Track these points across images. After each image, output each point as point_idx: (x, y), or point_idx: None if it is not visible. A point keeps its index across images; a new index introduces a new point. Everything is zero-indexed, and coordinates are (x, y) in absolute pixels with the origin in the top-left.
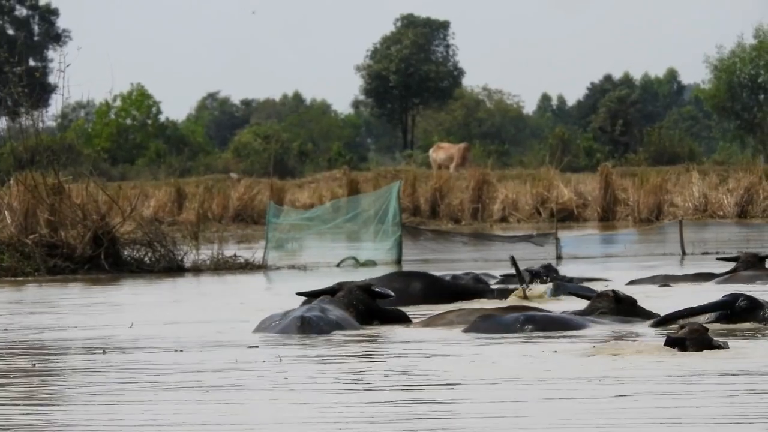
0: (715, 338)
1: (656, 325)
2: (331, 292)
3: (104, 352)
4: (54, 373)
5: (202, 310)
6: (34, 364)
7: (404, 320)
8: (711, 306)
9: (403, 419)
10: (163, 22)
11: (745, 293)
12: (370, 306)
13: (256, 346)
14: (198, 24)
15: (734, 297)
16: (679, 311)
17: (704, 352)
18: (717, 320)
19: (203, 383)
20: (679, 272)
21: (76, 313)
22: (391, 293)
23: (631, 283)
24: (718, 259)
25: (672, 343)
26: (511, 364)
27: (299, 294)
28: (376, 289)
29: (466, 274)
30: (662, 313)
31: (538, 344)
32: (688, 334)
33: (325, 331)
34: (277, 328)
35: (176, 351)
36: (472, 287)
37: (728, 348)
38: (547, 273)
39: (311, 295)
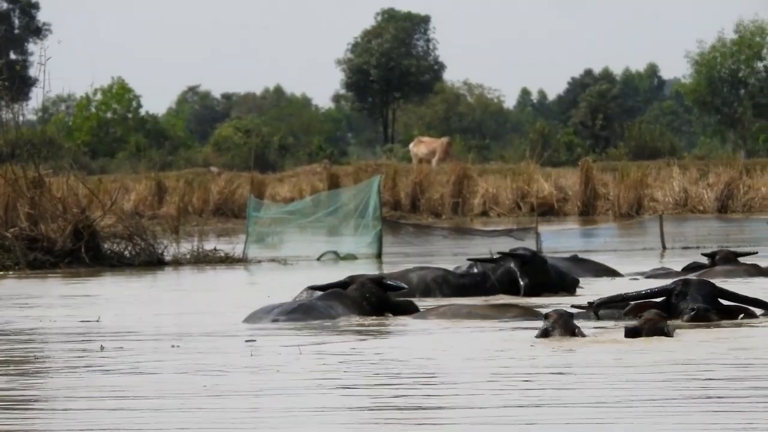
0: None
1: (595, 310)
2: (342, 285)
3: (102, 348)
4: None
5: (193, 303)
6: (36, 357)
7: (415, 311)
8: (646, 293)
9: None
10: (144, 15)
11: (687, 282)
12: (382, 298)
13: (253, 340)
14: (178, 18)
15: (673, 285)
16: (612, 297)
17: (654, 338)
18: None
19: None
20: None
21: (58, 306)
22: (404, 285)
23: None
24: (703, 254)
25: (630, 333)
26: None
27: (311, 288)
28: (388, 282)
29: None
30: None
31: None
32: (644, 323)
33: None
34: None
35: (173, 346)
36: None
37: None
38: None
39: (323, 289)
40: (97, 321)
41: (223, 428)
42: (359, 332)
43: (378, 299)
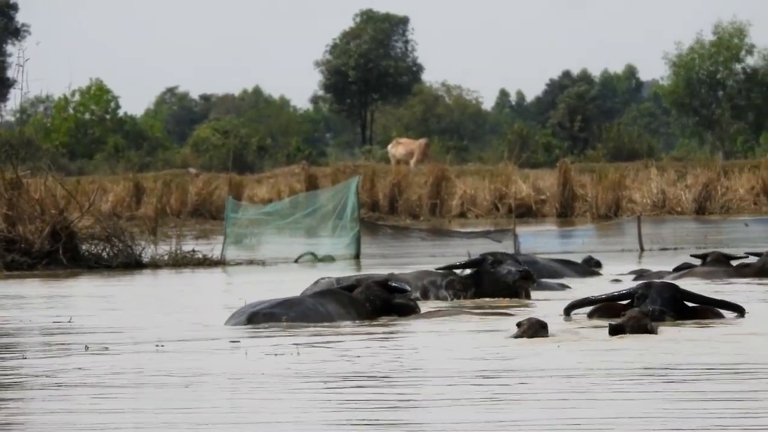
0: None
1: (566, 312)
2: (349, 288)
3: (86, 348)
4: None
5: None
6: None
7: (418, 312)
8: (616, 295)
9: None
10: (123, 17)
11: (649, 286)
12: (388, 301)
13: (238, 341)
14: (157, 19)
15: (636, 288)
16: (580, 300)
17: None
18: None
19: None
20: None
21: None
22: (408, 288)
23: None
24: (692, 255)
25: (614, 330)
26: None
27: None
28: (393, 284)
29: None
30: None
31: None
32: (627, 321)
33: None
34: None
35: (157, 346)
36: None
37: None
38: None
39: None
40: (69, 322)
41: (202, 425)
42: (345, 331)
43: (382, 301)
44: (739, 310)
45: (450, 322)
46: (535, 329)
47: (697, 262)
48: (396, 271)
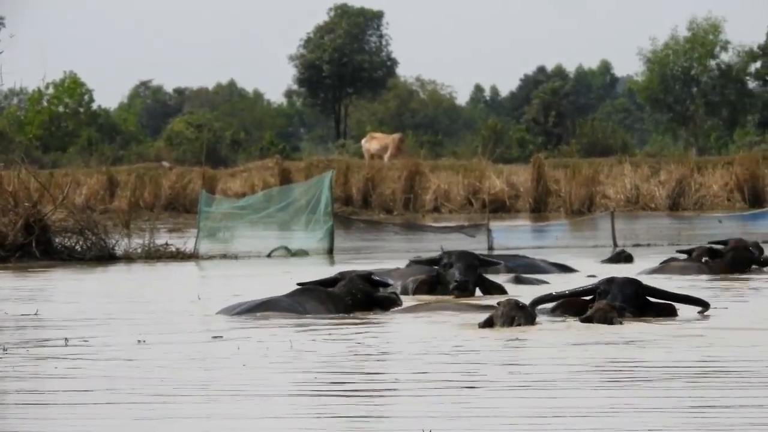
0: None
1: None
2: (332, 281)
3: (66, 341)
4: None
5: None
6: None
7: (399, 303)
8: (578, 291)
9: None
10: (97, 9)
11: (611, 281)
12: (371, 294)
13: (220, 336)
14: (131, 12)
15: (598, 284)
16: (545, 295)
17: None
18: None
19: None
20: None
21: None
22: (391, 282)
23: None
24: (678, 251)
25: (584, 322)
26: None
27: (300, 284)
28: (376, 278)
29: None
30: None
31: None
32: (594, 313)
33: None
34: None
35: (139, 342)
36: None
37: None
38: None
39: (313, 285)
40: (35, 314)
41: (176, 418)
42: (326, 327)
43: (364, 295)
44: (704, 305)
45: (433, 315)
46: (512, 307)
47: (683, 257)
48: (371, 266)
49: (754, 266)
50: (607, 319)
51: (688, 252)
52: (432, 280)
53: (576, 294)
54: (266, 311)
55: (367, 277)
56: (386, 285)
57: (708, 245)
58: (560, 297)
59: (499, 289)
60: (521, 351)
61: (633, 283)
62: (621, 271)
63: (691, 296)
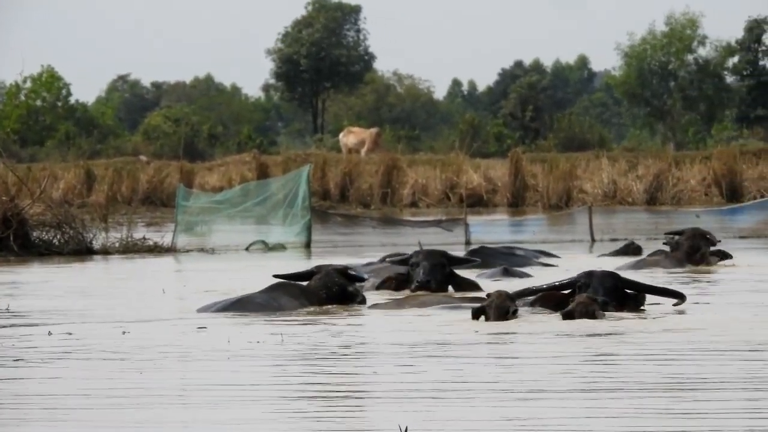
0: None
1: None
2: (308, 274)
3: (50, 333)
4: None
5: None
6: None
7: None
8: (555, 285)
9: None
10: (74, 3)
11: (590, 275)
12: (345, 289)
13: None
14: (109, 6)
15: (577, 278)
16: (524, 289)
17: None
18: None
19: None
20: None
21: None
22: (366, 276)
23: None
24: (665, 243)
25: (565, 316)
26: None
27: (276, 276)
28: (352, 273)
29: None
30: None
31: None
32: (576, 306)
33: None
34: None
35: (124, 333)
36: None
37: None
38: None
39: (288, 278)
40: (6, 309)
41: (151, 408)
42: (305, 321)
43: (340, 289)
44: (680, 297)
45: (419, 309)
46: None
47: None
48: (349, 260)
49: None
50: (588, 312)
51: (678, 233)
52: (400, 279)
53: (555, 288)
54: (241, 309)
55: (343, 272)
56: (362, 280)
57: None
58: (539, 291)
59: (472, 286)
60: (507, 346)
61: (612, 276)
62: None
63: (669, 288)
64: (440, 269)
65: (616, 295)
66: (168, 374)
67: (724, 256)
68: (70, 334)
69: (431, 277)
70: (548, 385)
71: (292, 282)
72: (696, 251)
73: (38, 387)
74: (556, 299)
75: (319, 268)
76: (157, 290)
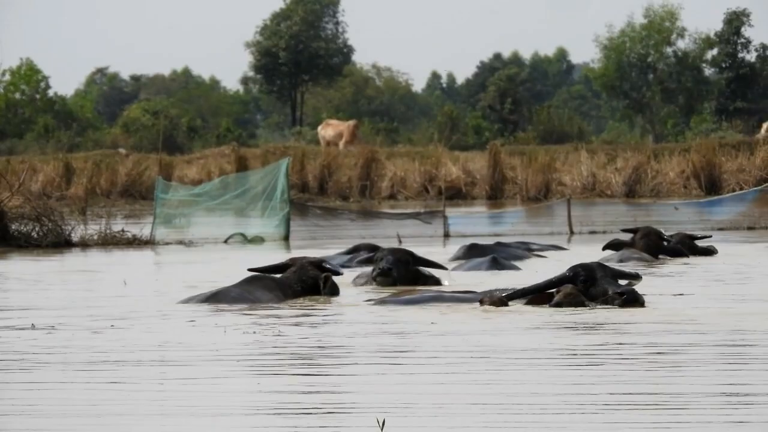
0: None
1: (501, 303)
2: (282, 267)
3: (33, 327)
4: None
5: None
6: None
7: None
8: (549, 282)
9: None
10: None
11: (588, 267)
12: (320, 282)
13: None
14: None
15: (575, 272)
16: (520, 290)
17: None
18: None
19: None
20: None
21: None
22: (341, 270)
23: None
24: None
25: (555, 306)
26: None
27: (251, 270)
28: (327, 266)
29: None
30: None
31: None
32: (564, 298)
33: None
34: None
35: (112, 326)
36: None
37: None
38: None
39: (263, 271)
40: None
41: (129, 402)
42: (282, 315)
43: (315, 282)
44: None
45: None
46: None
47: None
48: (325, 252)
49: (661, 255)
50: (578, 302)
51: (632, 231)
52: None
53: (551, 285)
54: (216, 302)
55: (318, 264)
56: (337, 273)
57: (684, 232)
58: (534, 291)
59: (435, 282)
60: (492, 337)
61: (603, 267)
62: None
63: (625, 271)
64: (403, 264)
65: (619, 278)
66: (145, 371)
67: (709, 252)
68: (53, 327)
69: (393, 266)
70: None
71: (268, 275)
72: (652, 250)
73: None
74: (546, 298)
75: (293, 261)
76: (136, 283)
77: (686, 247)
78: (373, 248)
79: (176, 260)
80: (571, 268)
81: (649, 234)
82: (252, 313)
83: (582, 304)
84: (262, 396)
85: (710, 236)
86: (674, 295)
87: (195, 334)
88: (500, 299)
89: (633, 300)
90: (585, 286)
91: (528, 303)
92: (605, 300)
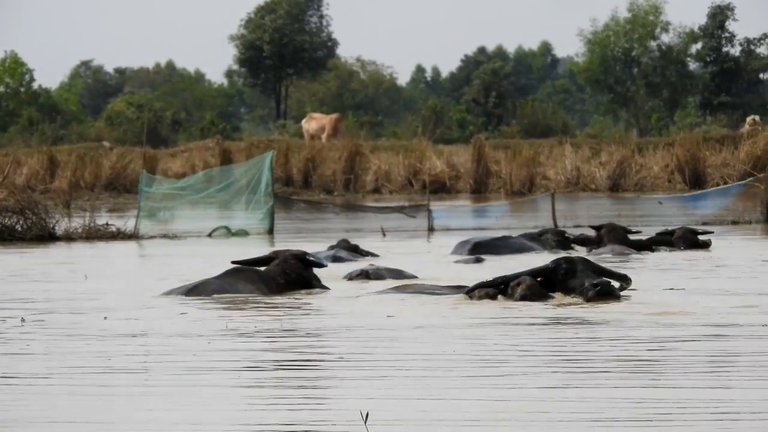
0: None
1: (469, 292)
2: (266, 260)
3: (23, 320)
4: None
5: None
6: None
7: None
8: (530, 272)
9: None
10: None
11: (571, 260)
12: (303, 275)
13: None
14: None
15: (557, 264)
16: (494, 279)
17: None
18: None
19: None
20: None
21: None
22: (325, 263)
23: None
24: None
25: (520, 298)
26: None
27: (234, 263)
28: (311, 258)
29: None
30: None
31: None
32: (528, 290)
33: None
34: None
35: (106, 318)
36: None
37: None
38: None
39: (246, 264)
40: None
41: (109, 396)
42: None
43: (298, 275)
44: (626, 280)
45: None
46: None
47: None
48: (310, 246)
49: (626, 250)
50: (542, 294)
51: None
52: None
53: (535, 274)
54: (197, 295)
55: (301, 257)
56: (321, 265)
57: (686, 227)
58: (510, 280)
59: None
60: (477, 330)
61: (586, 261)
62: None
63: (620, 273)
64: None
65: (603, 276)
66: (131, 358)
67: (704, 245)
68: (43, 321)
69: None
70: (515, 364)
71: (250, 267)
72: (616, 243)
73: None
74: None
75: (276, 254)
76: (119, 276)
77: (688, 241)
78: (353, 248)
79: (160, 253)
80: (554, 260)
81: (614, 229)
82: (231, 306)
83: (546, 296)
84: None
85: (712, 232)
86: (665, 289)
87: (175, 325)
88: (486, 293)
89: (607, 292)
90: (565, 278)
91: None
92: (580, 291)
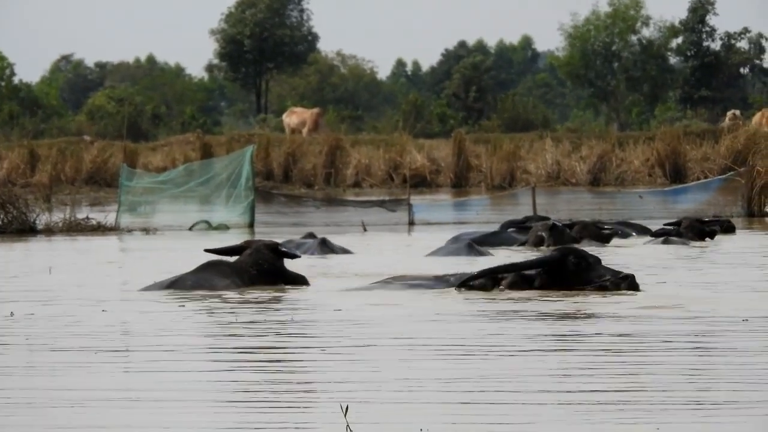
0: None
1: (463, 284)
2: (238, 249)
3: (12, 314)
4: None
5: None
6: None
7: (306, 284)
8: (530, 263)
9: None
10: None
11: (578, 252)
12: (276, 266)
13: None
14: None
15: (563, 254)
16: (482, 271)
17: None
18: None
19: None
20: None
21: None
22: (299, 254)
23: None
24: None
25: (509, 287)
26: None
27: (207, 251)
28: (284, 249)
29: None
30: None
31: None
32: (509, 286)
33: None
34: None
35: (104, 311)
36: None
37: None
38: None
39: (219, 253)
40: None
41: (94, 388)
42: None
43: (271, 266)
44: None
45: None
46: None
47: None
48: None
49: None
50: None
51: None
52: None
53: (524, 267)
54: (175, 290)
55: (274, 248)
56: (294, 257)
57: (693, 218)
58: (504, 270)
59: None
60: (466, 321)
61: (590, 253)
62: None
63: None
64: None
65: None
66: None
67: (712, 234)
68: (33, 314)
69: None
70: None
71: (223, 261)
72: (588, 239)
73: None
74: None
75: (248, 243)
76: (100, 270)
77: (695, 231)
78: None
79: (140, 247)
80: (558, 249)
81: (587, 226)
82: (208, 301)
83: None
84: (221, 384)
85: (716, 226)
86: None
87: (152, 321)
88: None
89: (635, 286)
90: (577, 270)
91: (509, 286)
92: (602, 284)
